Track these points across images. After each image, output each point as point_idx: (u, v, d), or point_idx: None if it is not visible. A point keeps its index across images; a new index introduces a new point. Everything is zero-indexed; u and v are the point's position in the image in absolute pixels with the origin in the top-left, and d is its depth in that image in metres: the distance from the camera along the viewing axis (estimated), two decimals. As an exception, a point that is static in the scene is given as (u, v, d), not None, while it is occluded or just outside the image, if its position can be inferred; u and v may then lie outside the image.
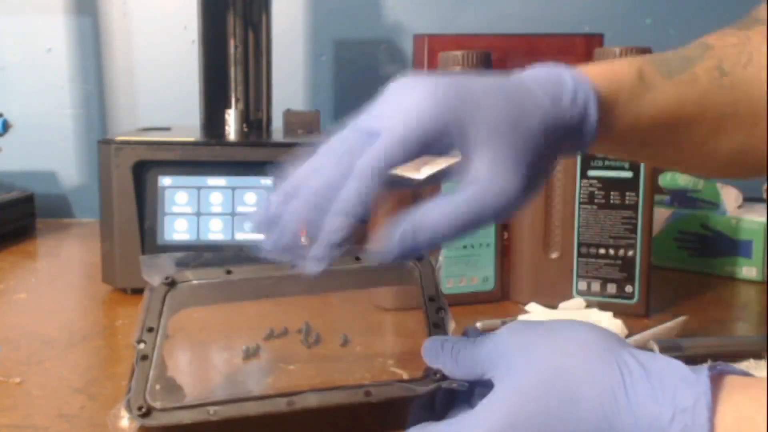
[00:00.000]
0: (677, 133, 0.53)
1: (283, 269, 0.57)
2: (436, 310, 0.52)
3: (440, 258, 0.57)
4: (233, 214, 0.85)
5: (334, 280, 0.58)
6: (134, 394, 0.47)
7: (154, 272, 0.57)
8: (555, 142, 0.45)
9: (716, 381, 0.39)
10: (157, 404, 0.46)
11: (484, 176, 0.42)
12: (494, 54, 0.80)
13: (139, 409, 0.45)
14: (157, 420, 0.45)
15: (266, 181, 0.85)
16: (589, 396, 0.39)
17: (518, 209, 0.44)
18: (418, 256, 0.56)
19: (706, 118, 0.52)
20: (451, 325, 0.51)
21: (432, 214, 0.42)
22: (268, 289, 0.58)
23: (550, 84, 0.46)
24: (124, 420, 0.45)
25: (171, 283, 0.56)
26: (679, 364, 0.39)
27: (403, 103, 0.44)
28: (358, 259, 0.57)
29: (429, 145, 0.42)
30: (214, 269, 0.57)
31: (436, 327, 0.51)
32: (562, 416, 0.39)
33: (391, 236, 0.42)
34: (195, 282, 0.57)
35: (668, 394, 0.38)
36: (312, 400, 0.45)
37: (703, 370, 0.38)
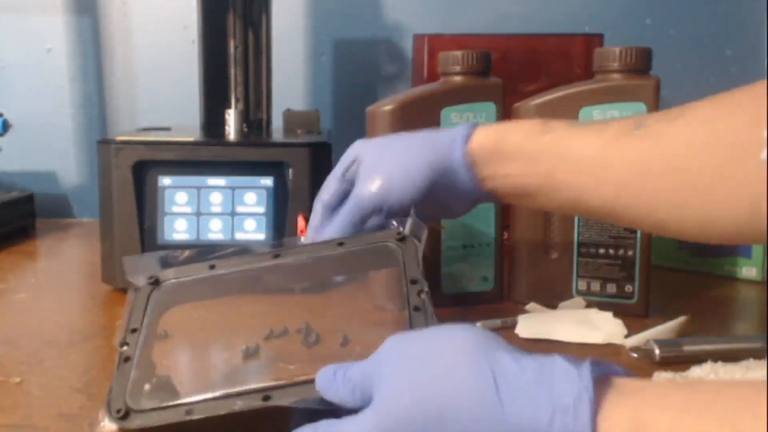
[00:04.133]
0: (583, 177, 0.54)
1: (266, 260, 0.57)
2: (417, 293, 0.51)
3: (423, 237, 0.56)
4: (233, 214, 0.85)
5: (318, 267, 0.57)
6: (114, 397, 0.46)
7: (138, 273, 0.56)
8: (426, 169, 0.60)
9: (605, 380, 0.36)
10: (143, 405, 0.46)
11: (357, 187, 0.61)
12: (494, 54, 0.80)
13: (118, 411, 0.45)
14: (132, 423, 0.45)
15: (266, 181, 0.85)
16: (462, 406, 0.37)
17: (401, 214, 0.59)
18: (401, 236, 0.56)
19: (613, 161, 0.52)
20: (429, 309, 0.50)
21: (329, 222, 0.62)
22: (252, 280, 0.58)
23: (435, 132, 0.63)
24: (104, 422, 0.45)
25: (155, 282, 0.56)
26: (559, 359, 0.37)
27: None
28: (341, 244, 0.57)
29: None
30: (198, 265, 0.57)
31: (417, 310, 0.50)
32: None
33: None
34: (179, 279, 0.56)
35: (544, 390, 0.36)
36: (290, 395, 0.45)
37: (586, 364, 0.36)
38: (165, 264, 0.58)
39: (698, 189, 0.50)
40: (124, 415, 0.45)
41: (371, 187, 0.60)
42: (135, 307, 0.54)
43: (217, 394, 0.46)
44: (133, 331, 0.52)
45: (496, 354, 0.38)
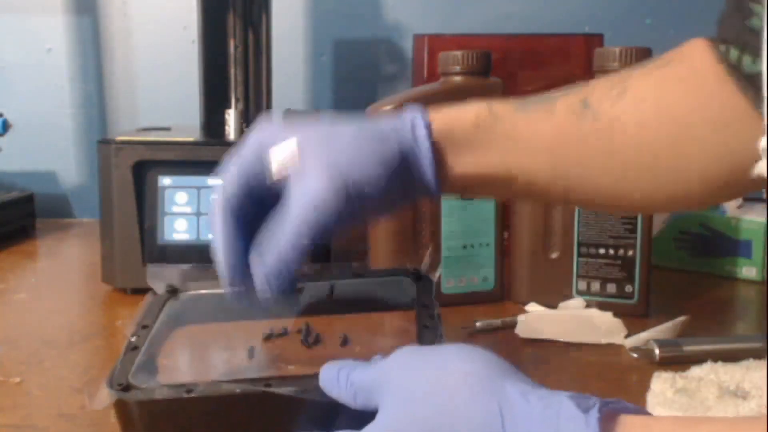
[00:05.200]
0: (538, 162, 0.52)
1: None
2: (428, 315, 0.52)
3: (438, 272, 0.57)
4: (233, 214, 0.85)
5: (336, 301, 0.58)
6: (118, 373, 0.47)
7: (159, 281, 0.58)
8: (382, 166, 0.48)
9: (610, 420, 0.36)
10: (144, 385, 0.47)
11: (304, 186, 0.47)
12: (494, 54, 0.80)
13: (120, 384, 0.46)
14: (133, 396, 0.45)
15: (266, 181, 0.85)
16: None
17: (348, 220, 0.48)
18: (416, 274, 0.57)
19: (569, 149, 0.52)
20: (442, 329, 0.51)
21: (273, 236, 0.47)
22: (269, 306, 0.59)
23: (386, 120, 0.51)
24: (102, 393, 0.46)
25: (173, 292, 0.57)
26: (566, 401, 0.36)
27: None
28: (358, 275, 0.58)
29: (257, 167, 0.49)
30: (216, 282, 0.58)
31: (426, 328, 0.51)
32: None
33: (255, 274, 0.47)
34: (195, 293, 0.57)
35: None
36: (291, 385, 0.45)
37: (594, 408, 0.35)
38: (186, 278, 0.59)
39: (648, 167, 0.52)
40: (125, 388, 0.46)
41: (326, 192, 0.47)
42: (150, 309, 0.56)
43: (219, 379, 0.46)
44: (144, 327, 0.53)
45: (505, 388, 0.38)
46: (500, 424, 0.36)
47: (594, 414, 0.35)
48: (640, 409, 0.37)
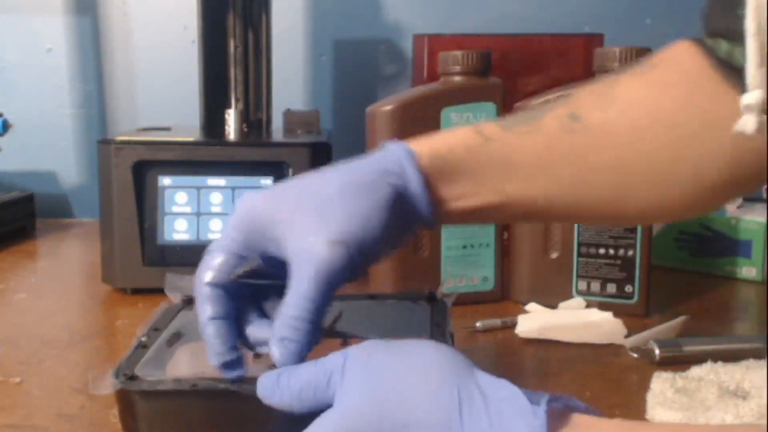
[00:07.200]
0: (533, 181, 0.51)
1: None
2: (440, 334, 0.52)
3: (452, 298, 0.58)
4: (233, 214, 0.85)
5: (347, 315, 0.58)
6: (125, 365, 0.48)
7: (176, 290, 0.58)
8: (377, 218, 0.47)
9: (560, 416, 0.37)
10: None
11: (306, 260, 0.45)
12: (494, 54, 0.80)
13: (125, 375, 0.47)
14: (137, 385, 0.46)
15: (266, 181, 0.85)
16: (423, 423, 0.38)
17: (354, 276, 0.47)
18: (432, 296, 0.57)
19: (560, 163, 0.51)
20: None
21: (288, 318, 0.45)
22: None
23: (368, 163, 0.50)
24: (107, 381, 0.47)
25: (188, 301, 0.57)
26: (520, 395, 0.38)
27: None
28: (372, 297, 0.59)
29: (247, 243, 0.48)
30: None
31: (438, 326, 0.52)
32: None
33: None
34: None
35: (504, 426, 0.37)
36: None
37: (542, 403, 0.37)
38: None
39: (644, 174, 0.51)
40: (130, 378, 0.47)
41: (330, 263, 0.45)
42: (163, 315, 0.56)
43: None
44: (156, 330, 0.54)
45: (465, 380, 0.39)
46: (458, 414, 0.38)
47: (543, 406, 0.37)
48: (590, 408, 0.39)
